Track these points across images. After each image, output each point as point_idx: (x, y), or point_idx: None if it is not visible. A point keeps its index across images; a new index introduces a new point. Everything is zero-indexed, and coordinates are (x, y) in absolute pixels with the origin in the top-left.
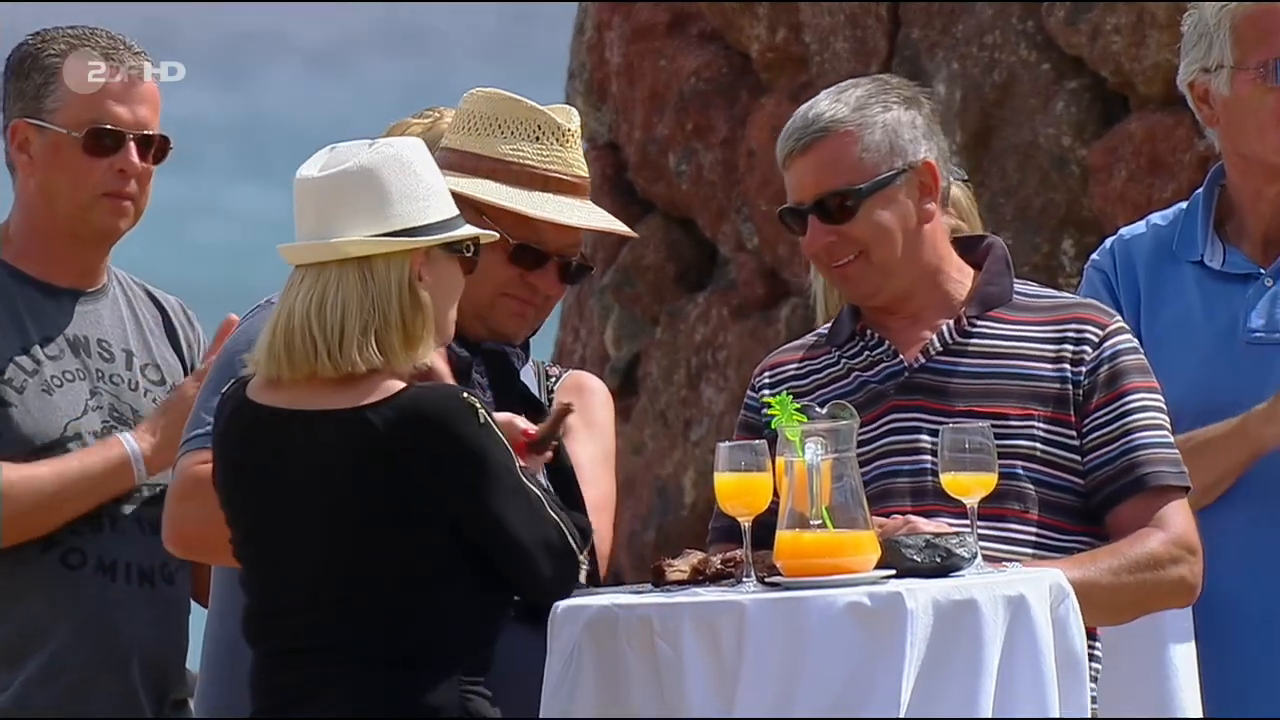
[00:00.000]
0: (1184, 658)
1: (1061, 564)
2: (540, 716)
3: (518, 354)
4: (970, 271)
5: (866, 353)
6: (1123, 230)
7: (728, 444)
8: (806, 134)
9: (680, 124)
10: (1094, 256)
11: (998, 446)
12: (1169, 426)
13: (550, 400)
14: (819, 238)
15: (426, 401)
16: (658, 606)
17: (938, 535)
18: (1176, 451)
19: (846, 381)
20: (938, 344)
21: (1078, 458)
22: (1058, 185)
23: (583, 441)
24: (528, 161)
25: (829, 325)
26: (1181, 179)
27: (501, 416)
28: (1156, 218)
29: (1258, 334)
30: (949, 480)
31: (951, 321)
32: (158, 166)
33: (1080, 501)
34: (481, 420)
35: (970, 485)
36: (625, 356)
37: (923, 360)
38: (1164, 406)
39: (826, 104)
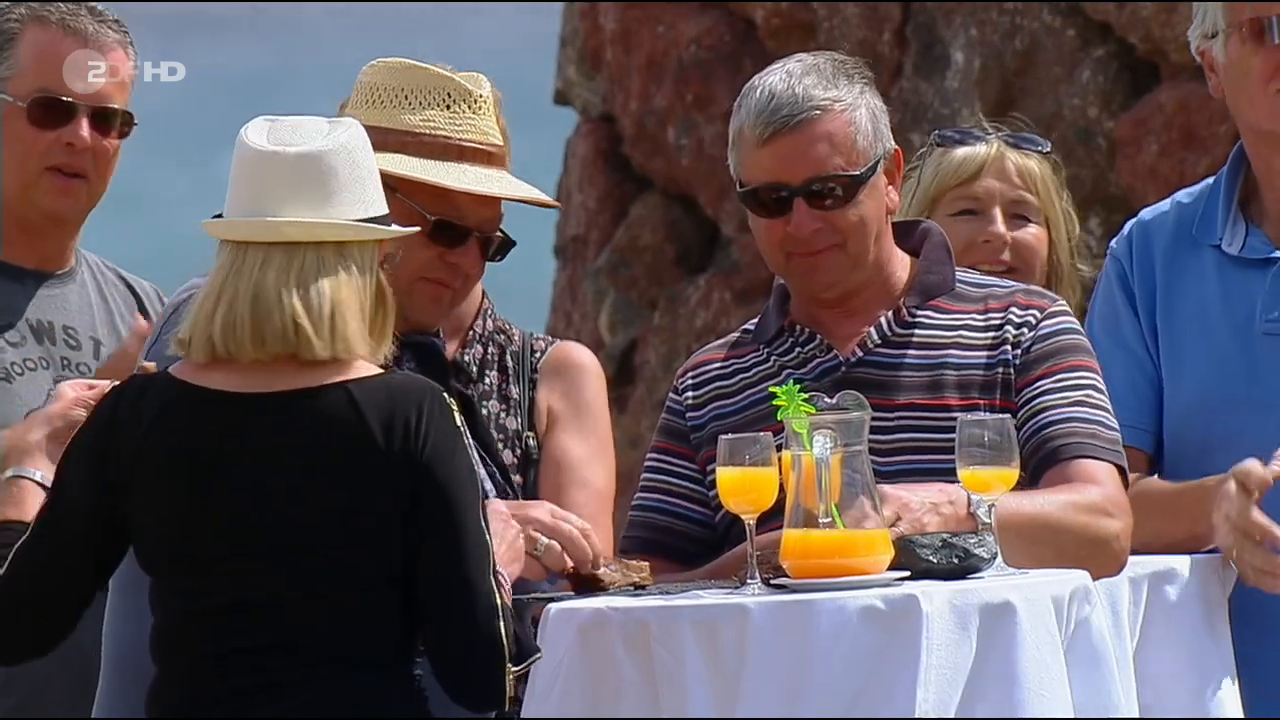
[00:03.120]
0: (1222, 658)
1: (1009, 496)
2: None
3: (442, 343)
4: (907, 260)
5: (798, 349)
6: (1143, 212)
7: (730, 436)
8: (800, 109)
9: (680, 95)
10: (1111, 244)
11: (945, 440)
12: (1102, 404)
13: (534, 380)
14: (807, 223)
15: (414, 381)
16: (656, 609)
17: (955, 535)
18: (1109, 430)
19: (778, 380)
20: (875, 337)
21: None
22: (1083, 160)
23: (571, 435)
24: (440, 131)
25: (755, 321)
26: (1216, 153)
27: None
28: (1182, 195)
29: (1274, 323)
30: (966, 476)
31: (890, 313)
32: (124, 142)
33: None
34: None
35: (990, 481)
36: (621, 343)
37: (860, 354)
38: (1098, 384)
39: (810, 80)
